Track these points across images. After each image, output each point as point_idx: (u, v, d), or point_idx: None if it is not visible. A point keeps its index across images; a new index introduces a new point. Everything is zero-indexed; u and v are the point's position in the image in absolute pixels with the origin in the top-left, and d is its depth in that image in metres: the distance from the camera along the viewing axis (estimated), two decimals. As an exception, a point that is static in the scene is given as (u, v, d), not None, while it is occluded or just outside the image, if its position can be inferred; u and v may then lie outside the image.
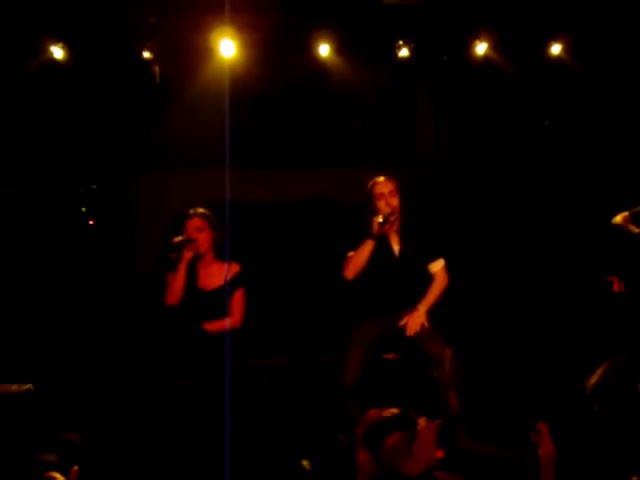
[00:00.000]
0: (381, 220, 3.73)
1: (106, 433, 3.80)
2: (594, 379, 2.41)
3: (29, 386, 4.05)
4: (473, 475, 1.43)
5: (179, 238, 3.70)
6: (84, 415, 4.05)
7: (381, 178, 3.92)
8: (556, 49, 6.01)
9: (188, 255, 3.71)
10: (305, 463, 2.72)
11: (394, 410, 2.31)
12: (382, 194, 3.85)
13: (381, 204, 3.83)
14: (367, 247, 3.78)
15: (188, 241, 3.70)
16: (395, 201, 3.86)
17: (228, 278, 3.79)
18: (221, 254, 3.87)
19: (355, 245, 3.84)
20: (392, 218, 3.80)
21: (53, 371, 4.68)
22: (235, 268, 3.83)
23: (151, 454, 3.53)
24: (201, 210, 3.84)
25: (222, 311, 3.76)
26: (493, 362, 4.71)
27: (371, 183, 3.92)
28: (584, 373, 2.47)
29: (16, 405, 3.92)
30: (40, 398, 4.03)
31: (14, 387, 4.06)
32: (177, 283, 3.69)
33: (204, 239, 3.78)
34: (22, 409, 3.92)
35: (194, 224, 3.77)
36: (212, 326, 3.72)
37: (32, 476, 1.78)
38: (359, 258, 3.81)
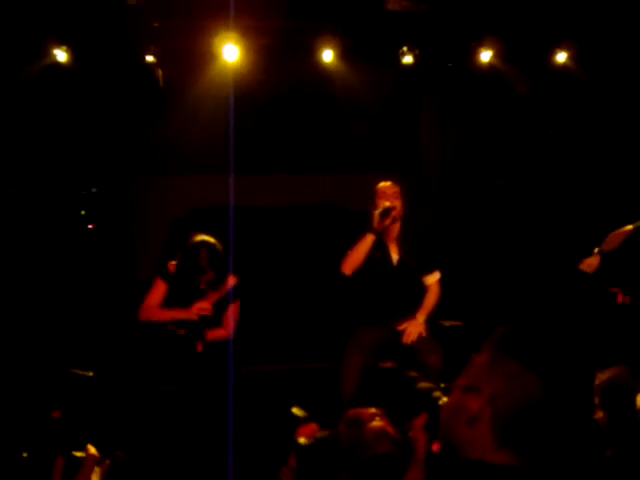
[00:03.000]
0: (381, 211, 3.75)
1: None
2: (606, 374, 2.41)
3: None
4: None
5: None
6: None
7: (388, 182, 3.99)
8: (561, 57, 5.97)
9: None
10: (295, 410, 2.64)
11: (373, 410, 2.26)
12: (385, 193, 3.91)
13: (382, 201, 3.86)
14: (366, 241, 3.80)
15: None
16: (398, 203, 3.88)
17: (225, 292, 3.67)
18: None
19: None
20: (393, 213, 3.82)
21: (50, 374, 4.66)
22: (232, 281, 3.67)
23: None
24: (212, 241, 3.59)
25: (216, 324, 3.68)
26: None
27: (377, 186, 3.98)
28: (586, 383, 2.45)
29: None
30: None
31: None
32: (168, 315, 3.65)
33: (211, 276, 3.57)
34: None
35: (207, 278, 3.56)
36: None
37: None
38: (358, 253, 3.81)
